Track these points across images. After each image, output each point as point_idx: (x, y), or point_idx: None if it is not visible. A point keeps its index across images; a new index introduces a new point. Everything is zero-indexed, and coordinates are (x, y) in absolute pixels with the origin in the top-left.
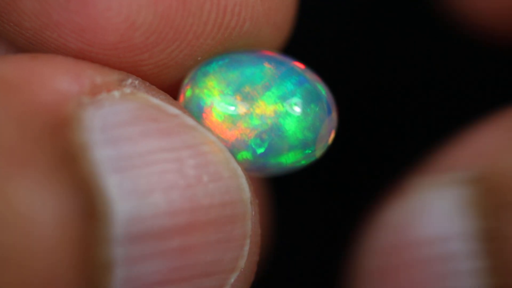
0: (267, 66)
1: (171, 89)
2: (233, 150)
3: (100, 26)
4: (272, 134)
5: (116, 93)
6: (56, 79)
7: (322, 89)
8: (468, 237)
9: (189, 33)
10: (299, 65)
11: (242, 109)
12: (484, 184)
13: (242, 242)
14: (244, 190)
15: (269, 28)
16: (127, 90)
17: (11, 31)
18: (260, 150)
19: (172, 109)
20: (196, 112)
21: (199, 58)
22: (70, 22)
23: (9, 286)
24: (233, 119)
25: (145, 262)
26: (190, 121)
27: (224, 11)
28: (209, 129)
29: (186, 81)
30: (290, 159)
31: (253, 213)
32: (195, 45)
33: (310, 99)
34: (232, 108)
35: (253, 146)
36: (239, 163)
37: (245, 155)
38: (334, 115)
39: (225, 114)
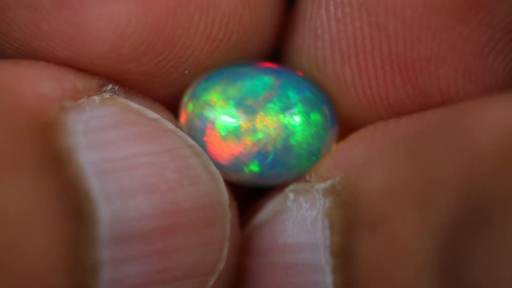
0: (266, 77)
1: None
2: (239, 162)
3: (90, 35)
4: (277, 145)
5: (96, 98)
6: (39, 84)
7: (323, 96)
8: (323, 249)
9: (177, 44)
10: (298, 73)
11: (245, 122)
12: (343, 197)
13: (221, 244)
14: (223, 193)
15: (256, 40)
16: (107, 95)
17: None
18: (266, 162)
19: (151, 114)
20: (199, 128)
21: (186, 72)
22: (59, 31)
23: (1, 286)
24: (237, 132)
25: (130, 264)
26: (169, 125)
27: (213, 22)
28: (187, 134)
29: (186, 98)
30: (296, 168)
31: (231, 216)
32: (183, 57)
33: (312, 107)
34: (235, 121)
35: (259, 158)
36: (246, 175)
37: (251, 167)
38: (336, 122)
39: (229, 128)
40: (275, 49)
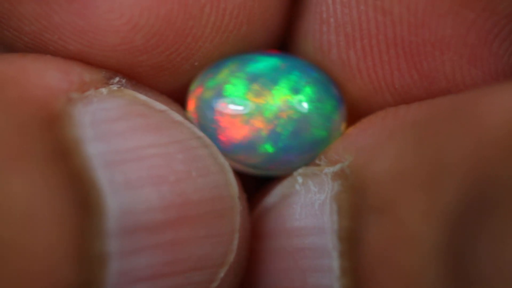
0: (273, 60)
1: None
2: (251, 145)
3: (102, 28)
4: (287, 126)
5: (103, 90)
6: (46, 76)
7: (329, 78)
8: (330, 233)
9: (188, 36)
10: (302, 59)
11: (254, 105)
12: (351, 180)
13: (231, 236)
14: (232, 185)
15: (264, 31)
16: (114, 87)
17: (9, 36)
18: (278, 143)
19: (159, 105)
20: (209, 113)
21: (196, 64)
22: (71, 24)
23: (9, 279)
24: (247, 116)
25: (138, 256)
26: (177, 116)
27: (223, 14)
28: (195, 123)
29: (193, 86)
30: (308, 148)
31: (241, 207)
32: (194, 48)
33: (319, 87)
34: (245, 106)
35: (270, 139)
36: (258, 157)
37: (263, 149)
38: (343, 101)
39: (238, 112)
40: (282, 40)
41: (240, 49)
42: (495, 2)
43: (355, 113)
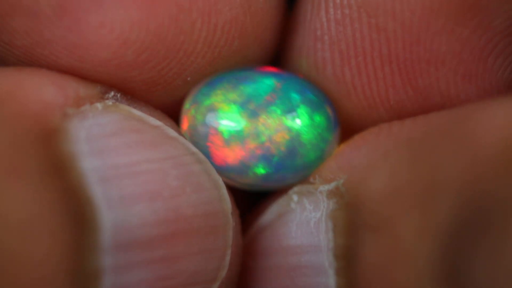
0: (268, 80)
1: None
2: (244, 166)
3: (93, 43)
4: (281, 148)
5: (98, 105)
6: (42, 91)
7: (324, 98)
8: (326, 251)
9: (180, 51)
10: (298, 76)
11: (248, 126)
12: (346, 198)
13: (223, 252)
14: (225, 201)
15: (257, 46)
16: (109, 102)
17: (0, 50)
18: (271, 164)
19: (153, 121)
20: (202, 133)
21: (188, 79)
22: (62, 39)
23: None
24: (240, 136)
25: (132, 271)
26: (171, 132)
27: (215, 29)
28: (189, 141)
29: (187, 105)
30: (301, 170)
31: (234, 223)
32: (185, 64)
33: (314, 108)
34: (238, 125)
35: (263, 161)
36: (251, 178)
37: (256, 170)
38: (338, 123)
39: (232, 132)
40: (275, 54)
41: (233, 64)
42: (488, 19)
43: (349, 129)
